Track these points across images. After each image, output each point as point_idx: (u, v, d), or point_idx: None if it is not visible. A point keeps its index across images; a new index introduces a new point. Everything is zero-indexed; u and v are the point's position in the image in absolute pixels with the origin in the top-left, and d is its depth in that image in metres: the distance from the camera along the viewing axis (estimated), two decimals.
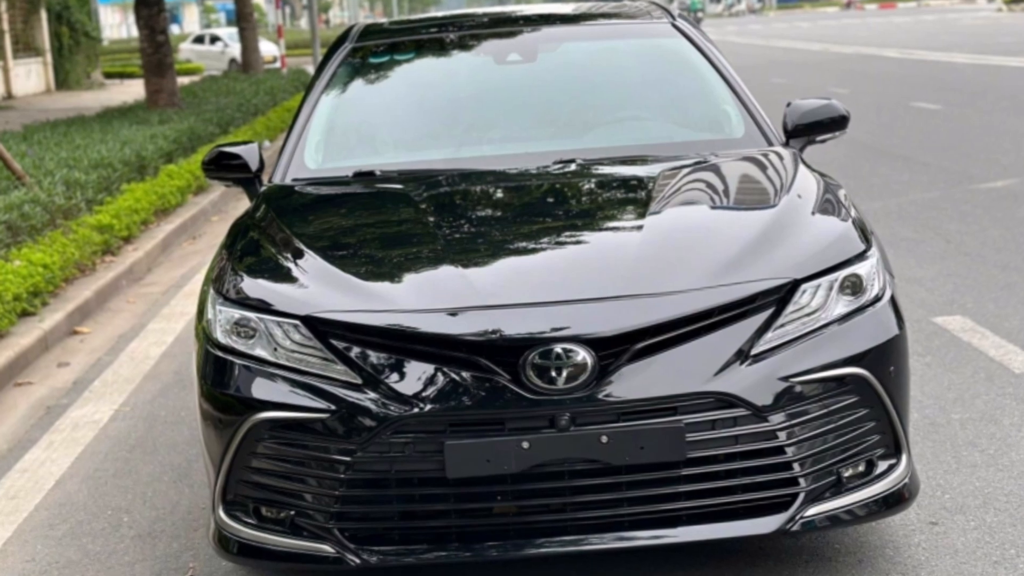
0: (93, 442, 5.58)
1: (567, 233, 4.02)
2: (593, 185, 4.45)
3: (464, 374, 3.38)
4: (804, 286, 3.55)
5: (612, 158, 4.61)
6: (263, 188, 4.76)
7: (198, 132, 15.30)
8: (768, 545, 3.98)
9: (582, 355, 3.33)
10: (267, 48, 37.26)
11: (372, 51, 5.42)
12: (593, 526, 3.42)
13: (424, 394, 3.38)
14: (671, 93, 5.25)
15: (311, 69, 28.63)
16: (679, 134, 4.92)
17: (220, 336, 3.68)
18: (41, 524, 4.68)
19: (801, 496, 3.47)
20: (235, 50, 37.14)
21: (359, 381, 3.44)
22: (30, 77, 32.10)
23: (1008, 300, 6.87)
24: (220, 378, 3.63)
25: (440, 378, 3.40)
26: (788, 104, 4.87)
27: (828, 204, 4.03)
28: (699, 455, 3.37)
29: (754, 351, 3.43)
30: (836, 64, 29.24)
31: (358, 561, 3.45)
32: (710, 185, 4.38)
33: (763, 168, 4.50)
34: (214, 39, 45.00)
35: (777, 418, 3.41)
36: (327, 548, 3.48)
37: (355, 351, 3.48)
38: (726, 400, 3.37)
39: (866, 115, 16.42)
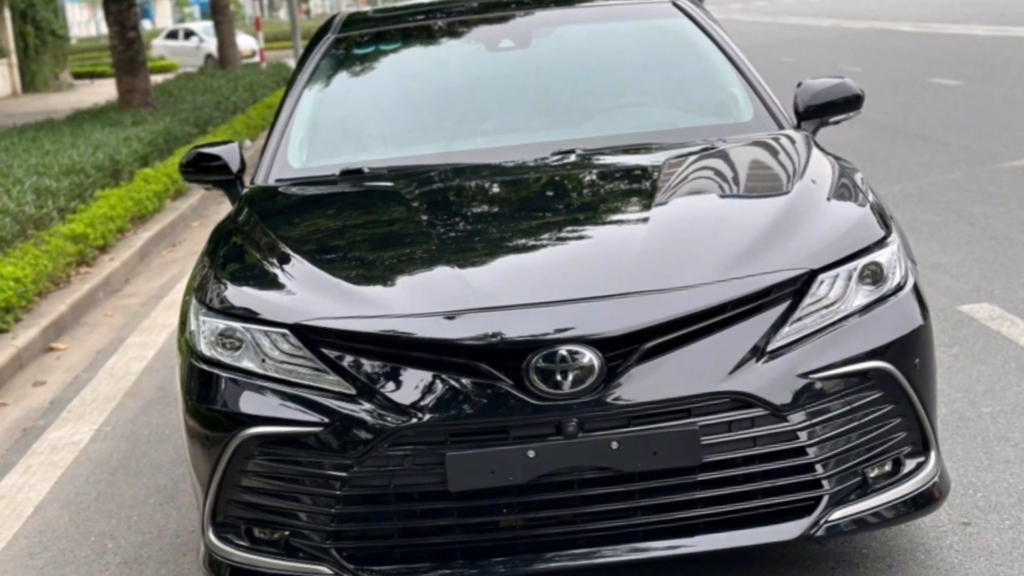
0: (73, 465, 5.58)
1: (569, 228, 4.02)
2: (594, 176, 4.45)
3: (464, 381, 3.38)
4: (821, 277, 3.55)
5: (614, 147, 4.61)
6: (245, 190, 4.76)
7: (174, 133, 15.31)
8: (791, 552, 3.98)
9: (588, 357, 3.33)
10: (245, 42, 37.29)
11: (356, 41, 5.42)
12: (605, 538, 3.42)
13: (422, 403, 3.38)
14: (674, 76, 5.25)
15: (292, 63, 28.64)
16: (684, 119, 4.92)
17: (204, 348, 3.68)
18: (21, 553, 4.68)
19: (825, 499, 3.47)
20: (211, 45, 37.18)
21: (353, 392, 3.44)
22: None
23: None
24: (206, 393, 3.63)
25: (439, 386, 3.40)
26: (799, 84, 4.87)
27: (844, 189, 4.03)
28: (715, 459, 3.37)
29: (770, 347, 3.43)
30: (848, 40, 29.25)
31: None
32: (718, 173, 4.38)
33: (774, 153, 4.51)
34: (188, 34, 45.06)
35: (797, 417, 3.41)
36: (325, 569, 3.48)
37: (348, 360, 3.48)
38: (742, 400, 3.37)
39: (881, 93, 16.43)
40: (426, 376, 3.41)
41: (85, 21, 79.12)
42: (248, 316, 3.64)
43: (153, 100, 18.92)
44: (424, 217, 4.06)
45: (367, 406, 3.41)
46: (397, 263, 3.79)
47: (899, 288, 3.67)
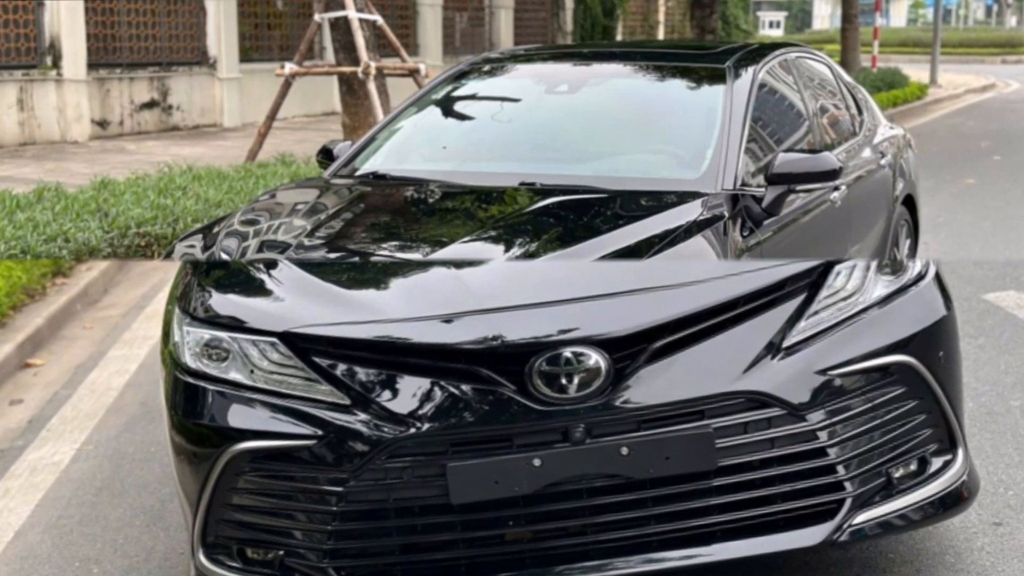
0: (54, 486, 5.58)
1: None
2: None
3: (464, 387, 3.39)
4: (838, 267, 3.55)
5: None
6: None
7: None
8: (814, 559, 3.98)
9: (594, 358, 3.33)
10: None
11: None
12: (617, 548, 3.42)
13: (421, 412, 3.38)
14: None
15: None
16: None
17: (189, 360, 3.68)
18: None
19: (848, 502, 3.47)
20: None
21: (347, 402, 3.44)
22: None
23: None
24: (192, 407, 3.64)
25: (438, 393, 3.40)
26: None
27: None
28: (731, 463, 3.38)
29: (786, 343, 3.43)
30: None
31: None
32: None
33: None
34: None
35: (816, 416, 3.41)
36: None
37: (341, 368, 3.48)
38: (758, 400, 3.38)
39: None
40: (424, 383, 3.41)
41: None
42: (235, 325, 3.64)
43: None
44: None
45: (362, 417, 3.41)
46: (391, 265, 3.80)
47: (920, 277, 3.67)
